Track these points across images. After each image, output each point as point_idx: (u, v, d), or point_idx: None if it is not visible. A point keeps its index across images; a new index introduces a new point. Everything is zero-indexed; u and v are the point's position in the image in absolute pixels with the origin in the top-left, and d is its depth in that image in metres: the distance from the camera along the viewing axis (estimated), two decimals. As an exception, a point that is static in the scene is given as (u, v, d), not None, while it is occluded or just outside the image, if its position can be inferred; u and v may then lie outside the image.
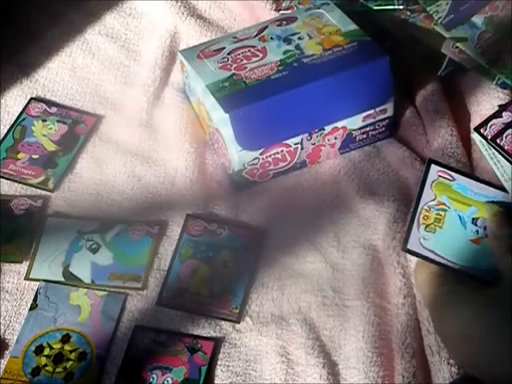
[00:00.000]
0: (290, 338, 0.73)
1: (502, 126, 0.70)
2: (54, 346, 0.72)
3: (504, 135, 0.69)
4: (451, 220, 0.62)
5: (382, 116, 0.85)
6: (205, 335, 0.73)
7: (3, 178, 0.85)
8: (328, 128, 0.83)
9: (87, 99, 0.94)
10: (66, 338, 0.73)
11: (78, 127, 0.90)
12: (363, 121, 0.84)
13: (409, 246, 0.61)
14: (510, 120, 0.71)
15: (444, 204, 0.63)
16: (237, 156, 0.80)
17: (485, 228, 0.63)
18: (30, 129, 0.90)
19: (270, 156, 0.82)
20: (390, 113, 0.85)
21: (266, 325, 0.74)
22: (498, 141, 0.68)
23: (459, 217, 0.62)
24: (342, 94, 0.82)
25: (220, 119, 0.80)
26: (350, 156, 0.86)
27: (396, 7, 0.90)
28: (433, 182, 0.64)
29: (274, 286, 0.77)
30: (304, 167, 0.86)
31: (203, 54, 0.86)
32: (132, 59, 0.98)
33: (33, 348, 0.72)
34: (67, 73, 0.96)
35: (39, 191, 0.85)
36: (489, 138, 0.69)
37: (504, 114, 0.71)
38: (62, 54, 0.98)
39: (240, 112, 0.79)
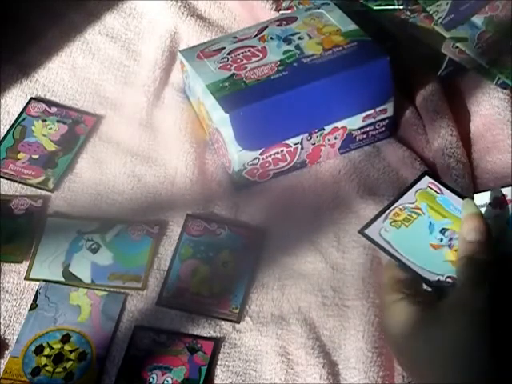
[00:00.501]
0: (290, 338, 0.73)
1: None
2: (54, 346, 0.72)
3: None
4: (420, 223, 0.60)
5: (382, 116, 0.85)
6: (205, 335, 0.73)
7: (3, 177, 0.85)
8: (328, 128, 0.83)
9: (87, 99, 0.94)
10: (66, 338, 0.73)
11: (78, 127, 0.90)
12: (363, 121, 0.84)
13: (366, 231, 0.60)
14: None
15: (420, 209, 0.61)
16: (237, 156, 0.80)
17: (450, 239, 0.61)
18: (30, 129, 0.90)
19: (270, 156, 0.82)
20: (389, 113, 0.85)
21: (266, 325, 0.74)
22: None
23: (430, 223, 0.61)
24: (342, 94, 0.82)
25: (220, 119, 0.80)
26: (350, 156, 0.86)
27: (396, 7, 0.90)
28: (419, 189, 0.62)
29: (274, 286, 0.77)
30: (304, 167, 0.86)
31: (203, 54, 0.86)
32: (132, 59, 0.98)
33: (33, 348, 0.72)
34: (67, 73, 0.96)
35: (39, 191, 0.84)
36: None
37: None
38: (62, 54, 0.98)
39: (240, 112, 0.79)
